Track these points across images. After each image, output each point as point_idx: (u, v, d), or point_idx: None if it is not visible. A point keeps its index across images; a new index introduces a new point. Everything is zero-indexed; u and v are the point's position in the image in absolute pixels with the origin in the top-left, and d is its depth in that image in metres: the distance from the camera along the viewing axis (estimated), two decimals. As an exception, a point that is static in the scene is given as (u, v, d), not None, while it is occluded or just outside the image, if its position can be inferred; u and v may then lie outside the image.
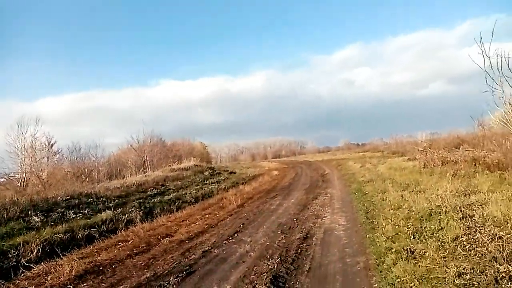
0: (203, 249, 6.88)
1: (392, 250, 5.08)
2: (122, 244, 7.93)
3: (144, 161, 29.08)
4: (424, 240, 5.09)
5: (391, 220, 6.84)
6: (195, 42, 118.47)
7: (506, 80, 11.49)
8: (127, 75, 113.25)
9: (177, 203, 13.22)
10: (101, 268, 6.30)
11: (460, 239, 4.69)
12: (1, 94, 60.44)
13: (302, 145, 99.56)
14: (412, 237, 5.41)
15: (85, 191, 14.01)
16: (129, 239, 8.33)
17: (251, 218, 9.56)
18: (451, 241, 4.73)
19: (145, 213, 11.53)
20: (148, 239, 8.08)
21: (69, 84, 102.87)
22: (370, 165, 21.10)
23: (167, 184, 18.04)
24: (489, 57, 11.50)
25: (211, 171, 25.45)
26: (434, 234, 5.23)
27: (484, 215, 5.49)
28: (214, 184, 19.41)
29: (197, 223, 9.58)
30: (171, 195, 15.10)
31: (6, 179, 20.42)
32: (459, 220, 5.49)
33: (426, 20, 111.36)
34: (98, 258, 6.91)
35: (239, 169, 32.39)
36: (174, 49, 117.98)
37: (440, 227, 5.46)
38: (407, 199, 8.34)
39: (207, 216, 10.50)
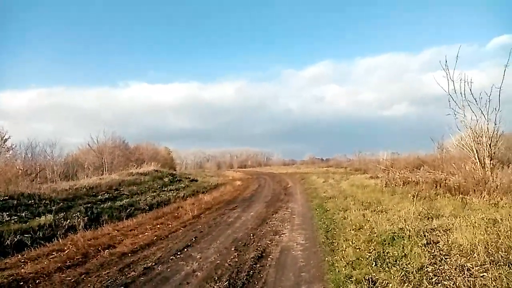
0: (145, 265, 6.12)
1: (352, 279, 4.56)
2: (55, 254, 7.03)
3: (103, 163, 27.64)
4: (387, 268, 4.62)
5: (352, 242, 6.40)
6: (167, 47, 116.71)
7: (469, 105, 11.75)
8: (96, 74, 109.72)
9: (128, 210, 12.32)
10: (21, 283, 5.42)
11: (426, 270, 4.28)
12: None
13: (268, 156, 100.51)
14: (374, 263, 4.94)
15: (28, 192, 12.76)
16: (65, 248, 7.43)
17: (206, 231, 8.87)
18: (416, 271, 4.30)
19: (91, 219, 10.62)
20: (86, 250, 7.20)
21: (32, 79, 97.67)
22: (333, 181, 21.02)
23: (121, 189, 16.94)
24: (453, 81, 11.76)
25: (172, 177, 24.46)
26: (398, 262, 4.80)
27: (449, 242, 5.16)
28: (172, 191, 18.55)
29: (145, 233, 8.78)
30: (124, 201, 14.13)
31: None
32: (424, 247, 5.13)
33: (393, 44, 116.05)
34: (22, 270, 6.02)
35: (202, 177, 31.61)
36: (145, 52, 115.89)
37: (403, 254, 5.05)
38: (369, 219, 8.00)
39: (158, 226, 9.70)
